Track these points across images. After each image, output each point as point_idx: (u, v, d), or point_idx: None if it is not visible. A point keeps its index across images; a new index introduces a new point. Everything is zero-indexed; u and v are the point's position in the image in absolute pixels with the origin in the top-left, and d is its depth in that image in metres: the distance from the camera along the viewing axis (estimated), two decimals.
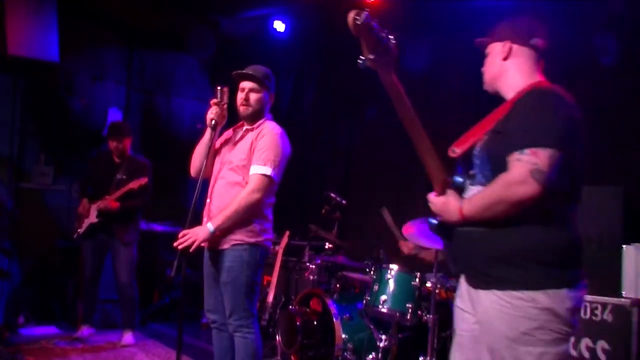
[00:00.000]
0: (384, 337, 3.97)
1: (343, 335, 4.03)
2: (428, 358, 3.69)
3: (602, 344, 3.47)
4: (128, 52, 6.67)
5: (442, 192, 2.02)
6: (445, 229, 2.03)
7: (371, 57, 1.86)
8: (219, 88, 3.23)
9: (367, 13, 1.78)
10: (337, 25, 5.82)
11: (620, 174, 4.22)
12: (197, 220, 3.22)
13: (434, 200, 2.04)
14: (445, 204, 2.00)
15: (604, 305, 3.50)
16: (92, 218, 4.94)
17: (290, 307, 4.41)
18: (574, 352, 3.54)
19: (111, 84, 6.61)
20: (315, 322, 4.20)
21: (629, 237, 3.63)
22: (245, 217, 3.12)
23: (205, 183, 3.24)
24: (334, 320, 4.07)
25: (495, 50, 2.18)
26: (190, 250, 3.03)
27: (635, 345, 3.35)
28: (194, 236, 3.04)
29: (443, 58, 5.34)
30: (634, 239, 3.62)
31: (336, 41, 5.92)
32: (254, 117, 3.30)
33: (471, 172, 2.03)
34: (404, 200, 5.54)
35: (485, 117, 2.11)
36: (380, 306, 3.89)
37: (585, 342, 3.52)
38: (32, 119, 5.93)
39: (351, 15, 1.78)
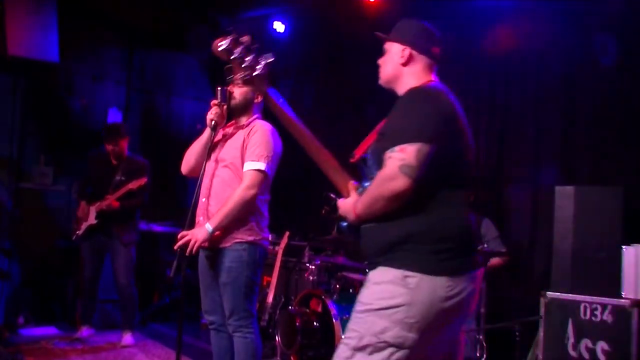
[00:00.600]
0: None
1: (343, 336, 4.02)
2: None
3: (601, 345, 3.46)
4: (128, 52, 6.67)
5: (347, 196, 2.16)
6: (353, 229, 2.16)
7: (239, 77, 2.05)
8: (219, 88, 3.23)
9: (228, 40, 1.96)
10: (336, 26, 5.86)
11: (620, 174, 4.22)
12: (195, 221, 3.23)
13: (339, 204, 2.18)
14: (345, 207, 2.13)
15: (604, 306, 3.48)
16: (91, 220, 4.94)
17: (290, 307, 4.41)
18: (573, 353, 3.55)
19: (111, 84, 6.61)
20: (315, 323, 4.20)
21: (629, 238, 3.63)
22: (241, 214, 3.12)
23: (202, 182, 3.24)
24: (334, 320, 4.07)
25: (394, 50, 2.26)
26: (192, 251, 3.04)
27: (635, 346, 3.35)
28: (193, 237, 3.04)
29: (442, 58, 5.33)
30: (633, 240, 3.62)
31: (336, 42, 5.93)
32: (239, 112, 3.31)
33: (372, 175, 2.11)
34: None
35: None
36: None
37: (585, 342, 3.52)
38: (32, 119, 5.93)
39: (215, 42, 1.97)
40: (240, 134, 3.26)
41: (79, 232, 4.97)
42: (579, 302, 3.57)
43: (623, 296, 3.51)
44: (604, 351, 3.45)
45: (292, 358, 4.29)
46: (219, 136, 3.33)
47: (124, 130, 5.17)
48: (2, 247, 5.26)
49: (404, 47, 2.23)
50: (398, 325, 1.91)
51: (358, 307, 2.02)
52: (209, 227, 3.06)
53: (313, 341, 4.17)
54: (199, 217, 3.23)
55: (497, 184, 5.01)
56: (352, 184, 2.17)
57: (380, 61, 2.31)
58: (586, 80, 4.49)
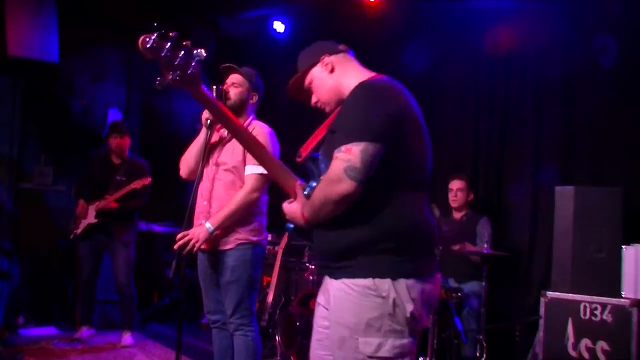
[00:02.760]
0: None
1: None
2: (428, 358, 3.69)
3: (601, 345, 3.47)
4: (128, 52, 6.66)
5: (294, 197, 2.07)
6: (303, 231, 2.08)
7: (169, 77, 1.88)
8: (214, 87, 3.22)
9: (155, 36, 1.82)
10: (337, 27, 5.85)
11: (620, 174, 4.22)
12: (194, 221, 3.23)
13: (284, 207, 2.07)
14: (292, 211, 2.04)
15: (604, 306, 3.49)
16: (91, 218, 4.94)
17: (290, 307, 4.41)
18: (573, 353, 3.55)
19: (111, 84, 6.60)
20: None
21: (629, 238, 3.63)
22: (242, 216, 3.14)
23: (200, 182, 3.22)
24: None
25: (316, 73, 2.18)
26: (192, 251, 3.04)
27: (635, 346, 3.35)
28: (194, 237, 3.05)
29: (442, 58, 5.34)
30: (633, 240, 3.62)
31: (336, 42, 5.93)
32: (234, 112, 3.27)
33: (322, 174, 2.03)
34: None
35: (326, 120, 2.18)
36: None
37: (585, 342, 3.52)
38: (32, 119, 5.92)
39: (140, 39, 1.83)
40: None
41: (77, 231, 4.97)
42: (578, 302, 3.57)
43: (623, 296, 3.52)
44: (603, 351, 3.45)
45: (292, 358, 4.29)
46: (215, 138, 3.33)
47: (127, 130, 5.21)
48: (2, 247, 5.26)
49: (319, 61, 2.17)
50: (391, 336, 1.85)
51: (339, 332, 1.91)
52: (209, 226, 3.07)
53: None
54: (200, 220, 3.22)
55: (497, 184, 5.02)
56: (299, 184, 2.07)
57: (314, 97, 2.22)
58: (586, 81, 4.50)
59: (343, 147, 1.84)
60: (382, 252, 1.87)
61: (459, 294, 4.12)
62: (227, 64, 3.33)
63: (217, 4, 6.27)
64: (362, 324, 1.85)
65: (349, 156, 1.82)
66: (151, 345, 5.08)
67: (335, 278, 1.96)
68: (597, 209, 3.69)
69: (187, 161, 3.30)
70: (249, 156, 3.15)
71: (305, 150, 2.12)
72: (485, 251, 4.08)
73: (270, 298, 4.66)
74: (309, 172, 2.11)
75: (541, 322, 3.70)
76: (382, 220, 1.88)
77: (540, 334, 3.73)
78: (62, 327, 5.43)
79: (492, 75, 5.11)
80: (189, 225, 3.16)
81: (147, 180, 4.90)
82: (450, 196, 4.76)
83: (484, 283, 4.02)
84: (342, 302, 1.91)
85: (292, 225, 2.09)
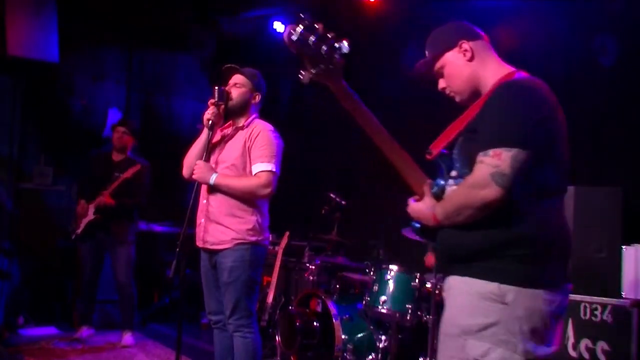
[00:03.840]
0: (383, 337, 3.97)
1: (343, 336, 4.03)
2: (428, 359, 3.69)
3: (602, 345, 3.46)
4: (128, 52, 6.66)
5: (422, 197, 2.01)
6: (428, 231, 2.01)
7: (312, 71, 1.82)
8: (216, 88, 3.23)
9: (302, 28, 1.75)
10: (337, 26, 5.85)
11: (620, 174, 4.22)
12: (196, 221, 3.23)
13: (412, 206, 2.03)
14: (420, 210, 1.99)
15: (604, 306, 3.49)
16: (90, 216, 4.95)
17: (290, 307, 4.41)
18: (573, 353, 3.54)
19: (111, 84, 6.60)
20: (315, 323, 4.20)
21: (629, 238, 3.63)
22: (241, 199, 3.16)
23: (200, 183, 3.23)
24: (334, 320, 4.07)
25: (451, 59, 2.07)
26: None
27: (635, 346, 3.35)
28: (199, 171, 3.13)
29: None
30: (633, 240, 3.62)
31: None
32: (236, 112, 3.32)
33: (452, 172, 1.99)
34: (405, 201, 5.53)
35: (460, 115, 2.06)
36: (380, 307, 3.89)
37: (585, 343, 3.52)
38: (32, 119, 5.92)
39: (286, 31, 1.77)
40: (241, 134, 3.27)
41: (79, 231, 4.97)
42: (579, 302, 3.57)
43: (623, 296, 3.52)
44: (604, 351, 3.45)
45: (292, 358, 4.29)
46: (217, 137, 3.34)
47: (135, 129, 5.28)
48: (2, 247, 5.26)
49: (457, 45, 2.05)
50: (501, 346, 1.77)
51: (450, 329, 1.89)
52: (213, 178, 3.12)
53: (313, 341, 4.16)
54: (200, 219, 3.24)
55: None
56: (428, 183, 2.01)
57: (442, 82, 2.11)
58: (586, 81, 4.49)
59: (491, 151, 1.77)
60: (514, 258, 1.79)
61: None
62: (229, 65, 3.34)
63: (217, 3, 6.27)
64: (476, 326, 1.80)
65: (498, 161, 1.75)
66: (151, 345, 5.08)
67: (459, 276, 1.89)
68: (597, 209, 3.69)
69: (189, 161, 3.30)
70: (254, 154, 3.18)
71: (436, 147, 2.01)
72: None
73: (270, 298, 4.66)
74: (437, 169, 2.04)
75: None
76: (519, 225, 1.80)
77: None
78: (62, 327, 5.43)
79: None
80: (190, 225, 3.15)
81: (137, 167, 4.90)
82: None
83: None
84: (461, 301, 1.86)
85: (418, 225, 2.06)
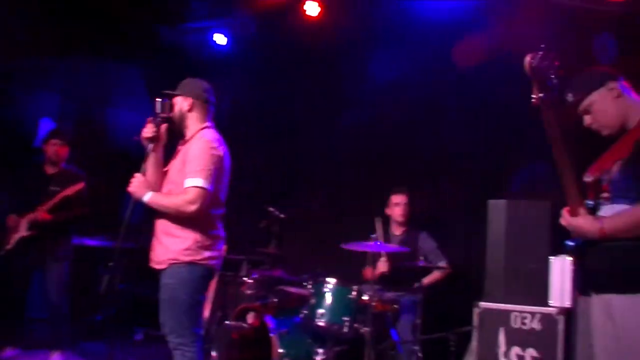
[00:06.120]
0: (321, 350, 3.96)
1: (280, 350, 4.00)
2: None
3: (530, 352, 3.59)
4: (62, 61, 6.46)
5: (576, 213, 2.23)
6: (579, 249, 2.25)
7: (541, 95, 2.11)
8: (158, 100, 3.16)
9: (540, 55, 2.05)
10: (280, 41, 5.88)
11: (549, 188, 4.39)
12: (132, 234, 3.15)
13: (571, 220, 2.25)
14: (582, 225, 2.20)
15: (533, 315, 3.63)
16: (23, 231, 4.73)
17: (227, 322, 4.35)
18: None
19: (44, 93, 6.39)
20: (252, 337, 4.16)
21: (556, 249, 3.77)
22: (178, 218, 3.08)
23: None
24: (271, 334, 4.04)
25: (598, 98, 2.34)
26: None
27: (561, 352, 3.49)
28: (134, 188, 3.05)
29: (376, 70, 5.42)
30: (560, 251, 3.76)
31: (278, 56, 5.95)
32: (180, 127, 3.28)
33: (603, 195, 2.23)
34: (343, 214, 5.58)
35: (613, 145, 2.36)
36: (317, 320, 3.89)
37: (515, 350, 3.64)
38: None
39: (527, 58, 2.05)
40: (183, 150, 3.23)
41: (8, 247, 4.75)
42: (509, 312, 3.69)
43: (550, 305, 3.66)
44: (532, 358, 3.58)
45: None
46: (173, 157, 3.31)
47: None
48: None
49: (606, 86, 2.34)
50: None
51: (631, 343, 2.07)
52: (147, 196, 3.04)
53: (250, 356, 4.13)
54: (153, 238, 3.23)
55: (434, 198, 5.13)
56: (582, 201, 2.25)
57: (590, 118, 2.38)
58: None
59: None
60: None
61: (396, 306, 4.17)
62: (164, 92, 3.27)
63: (158, 13, 6.19)
64: None
65: None
66: None
67: (624, 293, 2.11)
68: (527, 222, 3.83)
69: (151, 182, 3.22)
70: (187, 168, 3.08)
71: (594, 172, 2.31)
72: (420, 264, 4.16)
73: (206, 313, 4.58)
74: (586, 191, 2.30)
75: (474, 331, 3.80)
76: None
77: (474, 343, 3.82)
78: None
79: (423, 93, 5.22)
80: (127, 239, 3.09)
81: (80, 186, 4.74)
82: (397, 211, 4.78)
83: (420, 295, 4.09)
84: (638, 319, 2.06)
85: (573, 243, 2.28)
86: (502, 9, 4.76)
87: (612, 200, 2.21)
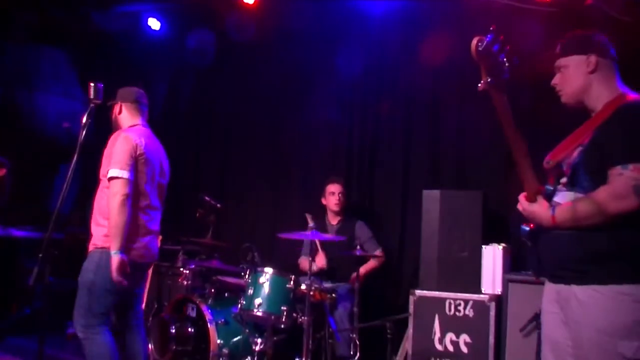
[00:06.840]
0: (259, 340, 3.96)
1: (218, 341, 3.98)
2: (303, 359, 3.73)
3: (464, 337, 3.73)
4: None
5: (532, 199, 2.17)
6: (533, 235, 2.20)
7: (489, 80, 1.99)
8: (92, 84, 3.08)
9: (489, 38, 1.92)
10: (215, 25, 5.76)
11: (480, 179, 4.54)
12: (61, 225, 3.08)
13: (527, 206, 2.18)
14: (536, 212, 2.15)
15: (466, 302, 3.76)
16: None
17: (163, 314, 4.28)
18: (439, 347, 3.76)
19: None
20: (189, 329, 4.12)
21: (488, 238, 3.92)
22: (99, 205, 3.30)
23: (72, 187, 3.19)
24: (209, 325, 4.01)
25: (575, 63, 2.26)
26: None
27: (493, 337, 3.64)
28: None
29: (311, 62, 5.43)
30: (492, 240, 3.91)
31: (213, 41, 5.84)
32: (116, 127, 3.53)
33: (562, 180, 2.20)
34: (279, 204, 5.57)
35: (578, 128, 2.26)
36: (255, 310, 3.87)
37: (450, 336, 3.77)
38: None
39: (474, 42, 1.92)
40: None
41: None
42: (444, 299, 3.81)
43: (483, 292, 3.80)
44: (466, 343, 3.72)
45: None
46: None
47: None
48: None
49: (587, 55, 2.23)
50: None
51: (594, 335, 2.01)
52: (114, 254, 3.12)
53: (187, 347, 4.09)
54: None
55: (369, 187, 5.19)
56: (539, 187, 2.18)
57: (558, 80, 2.30)
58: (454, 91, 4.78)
59: (631, 166, 1.97)
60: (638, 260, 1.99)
61: (333, 295, 4.21)
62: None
63: None
64: (620, 328, 1.97)
65: (638, 175, 1.95)
66: None
67: (583, 284, 2.05)
68: (460, 212, 3.95)
69: None
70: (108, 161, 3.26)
71: (554, 157, 2.24)
72: (358, 253, 4.21)
73: (142, 305, 4.48)
74: (546, 176, 2.23)
75: (410, 319, 3.90)
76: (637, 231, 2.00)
77: (410, 330, 3.92)
78: None
79: (359, 83, 5.27)
80: (57, 229, 3.14)
81: (2, 172, 4.54)
82: (333, 200, 4.80)
83: (357, 284, 4.14)
84: (596, 308, 2.01)
85: (527, 229, 2.21)
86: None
87: (571, 186, 2.18)
